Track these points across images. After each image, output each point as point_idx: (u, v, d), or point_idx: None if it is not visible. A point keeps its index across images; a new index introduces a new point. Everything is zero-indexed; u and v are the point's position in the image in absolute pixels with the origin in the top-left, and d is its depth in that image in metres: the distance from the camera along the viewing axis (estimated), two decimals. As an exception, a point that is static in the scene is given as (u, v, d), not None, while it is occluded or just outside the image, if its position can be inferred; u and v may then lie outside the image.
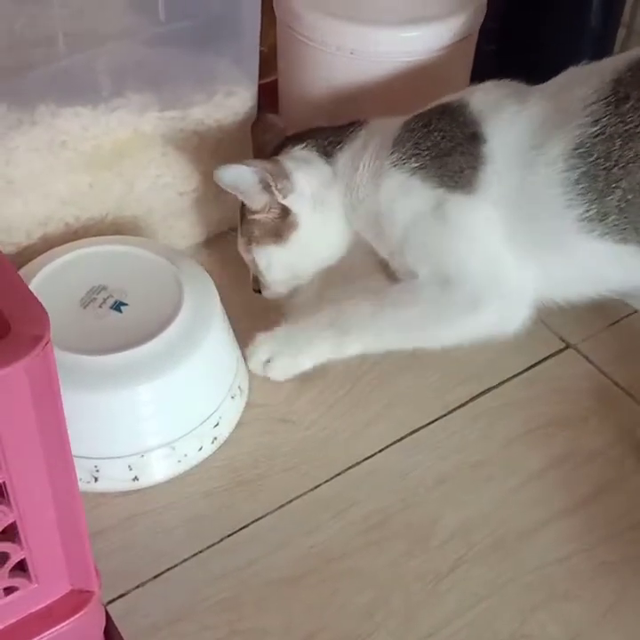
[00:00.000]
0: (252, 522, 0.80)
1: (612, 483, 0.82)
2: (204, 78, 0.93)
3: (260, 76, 0.99)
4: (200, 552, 0.78)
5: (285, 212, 0.88)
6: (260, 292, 0.94)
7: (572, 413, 0.88)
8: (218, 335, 0.85)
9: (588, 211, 0.76)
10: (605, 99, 0.76)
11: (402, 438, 0.87)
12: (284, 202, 0.87)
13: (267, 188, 0.86)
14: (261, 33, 0.94)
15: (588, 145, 0.76)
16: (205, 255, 1.01)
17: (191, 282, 0.85)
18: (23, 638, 0.63)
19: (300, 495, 0.82)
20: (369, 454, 0.85)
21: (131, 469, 0.81)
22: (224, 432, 0.86)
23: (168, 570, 0.77)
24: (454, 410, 0.89)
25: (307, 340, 0.86)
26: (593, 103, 0.77)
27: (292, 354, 0.86)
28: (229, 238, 1.02)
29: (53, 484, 0.58)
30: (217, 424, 0.84)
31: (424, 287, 0.82)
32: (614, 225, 0.76)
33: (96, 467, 0.80)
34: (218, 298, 0.87)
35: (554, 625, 0.74)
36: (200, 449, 0.84)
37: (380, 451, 0.86)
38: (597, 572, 0.77)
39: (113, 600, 0.75)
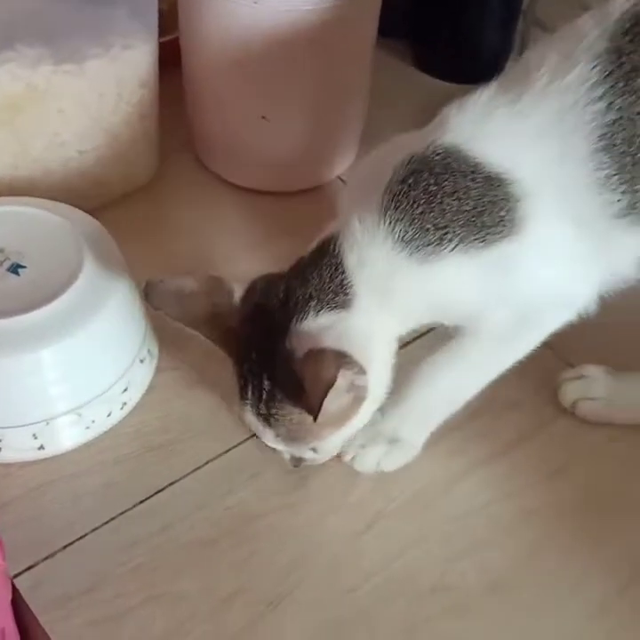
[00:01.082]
0: (166, 486, 0.78)
1: (531, 431, 0.82)
2: (99, 30, 0.89)
3: (162, 34, 0.96)
4: (112, 519, 0.75)
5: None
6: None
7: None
8: (122, 297, 0.81)
9: (620, 202, 0.67)
10: (610, 75, 0.65)
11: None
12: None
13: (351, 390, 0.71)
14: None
15: (608, 135, 0.66)
16: (109, 217, 0.97)
17: (93, 243, 0.82)
18: None
19: (214, 458, 0.80)
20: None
21: (36, 438, 0.77)
22: (134, 397, 0.83)
23: (79, 539, 0.74)
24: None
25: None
26: (597, 84, 0.66)
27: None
28: (134, 199, 0.99)
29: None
30: (126, 389, 0.81)
31: (498, 328, 0.73)
32: None
33: (-1, 436, 0.77)
34: (122, 259, 0.83)
35: (475, 574, 0.73)
36: (109, 415, 0.81)
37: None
38: (518, 520, 0.77)
39: (20, 573, 0.71)
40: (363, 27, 0.99)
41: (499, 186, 0.68)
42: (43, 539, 0.73)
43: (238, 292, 0.74)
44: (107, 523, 0.75)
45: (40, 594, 0.70)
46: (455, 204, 0.68)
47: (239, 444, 0.81)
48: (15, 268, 0.79)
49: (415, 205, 0.68)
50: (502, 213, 0.68)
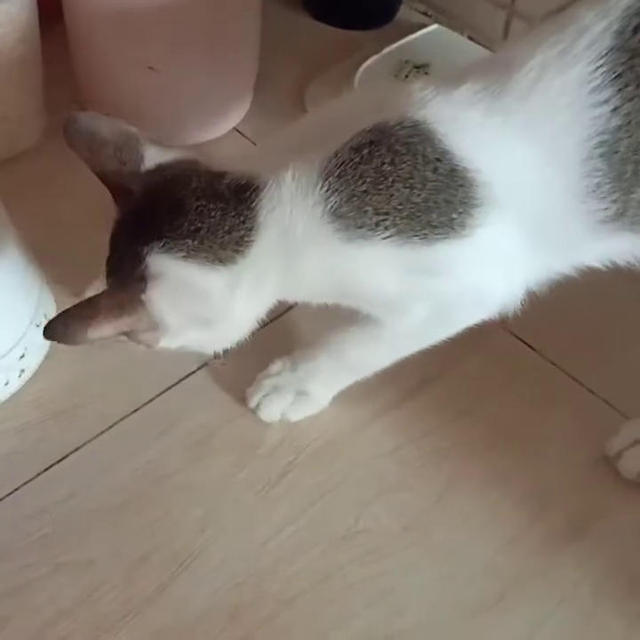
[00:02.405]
0: (71, 452, 0.76)
1: (436, 373, 0.83)
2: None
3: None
4: (15, 490, 0.74)
5: None
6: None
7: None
8: (11, 261, 0.78)
9: (607, 210, 0.62)
10: (618, 78, 0.58)
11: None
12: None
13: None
14: None
15: (610, 142, 0.60)
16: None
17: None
18: None
19: (120, 420, 0.78)
20: (186, 374, 0.82)
21: None
22: (32, 363, 0.80)
23: (-20, 513, 0.72)
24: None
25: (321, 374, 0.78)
26: (601, 87, 0.59)
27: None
28: (22, 158, 0.95)
29: None
30: (23, 355, 0.79)
31: (421, 315, 0.68)
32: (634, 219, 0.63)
33: None
34: (8, 220, 0.80)
35: (388, 517, 0.74)
36: (6, 383, 0.78)
37: (200, 368, 0.82)
38: (427, 461, 0.77)
39: None
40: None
41: (462, 185, 0.61)
42: (-58, 514, 0.71)
43: (149, 160, 0.67)
44: (10, 494, 0.73)
45: (-58, 570, 0.68)
46: (405, 192, 0.61)
47: (144, 405, 0.79)
48: None
49: (360, 181, 0.62)
50: (454, 216, 0.62)
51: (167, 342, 0.67)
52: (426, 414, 0.80)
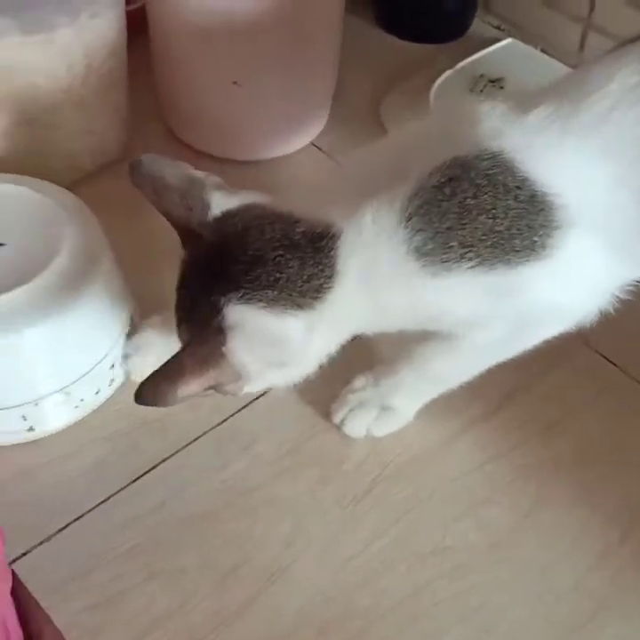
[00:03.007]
0: (159, 463, 0.77)
1: (521, 388, 0.82)
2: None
3: (129, 2, 0.93)
4: (106, 500, 0.74)
5: None
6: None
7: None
8: (106, 272, 0.80)
9: None
10: None
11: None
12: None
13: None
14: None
15: None
16: (84, 193, 0.95)
17: (73, 217, 0.79)
18: None
19: (207, 431, 0.79)
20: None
21: (25, 419, 0.76)
22: (122, 373, 0.81)
23: (74, 521, 0.73)
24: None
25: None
26: None
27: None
28: (106, 173, 0.97)
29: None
30: (113, 365, 0.80)
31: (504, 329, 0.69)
32: None
33: (-14, 420, 0.75)
34: (102, 233, 0.81)
35: (476, 533, 0.74)
36: (97, 392, 0.79)
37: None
38: (515, 477, 0.77)
39: (17, 558, 0.70)
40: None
41: (542, 210, 0.62)
42: (37, 523, 0.72)
43: (215, 206, 0.66)
44: (101, 503, 0.74)
45: (38, 579, 0.69)
46: (489, 222, 0.62)
47: (231, 415, 0.80)
48: None
49: (444, 219, 0.62)
50: (536, 239, 0.62)
51: (249, 388, 0.68)
52: (511, 429, 0.80)
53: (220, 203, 0.66)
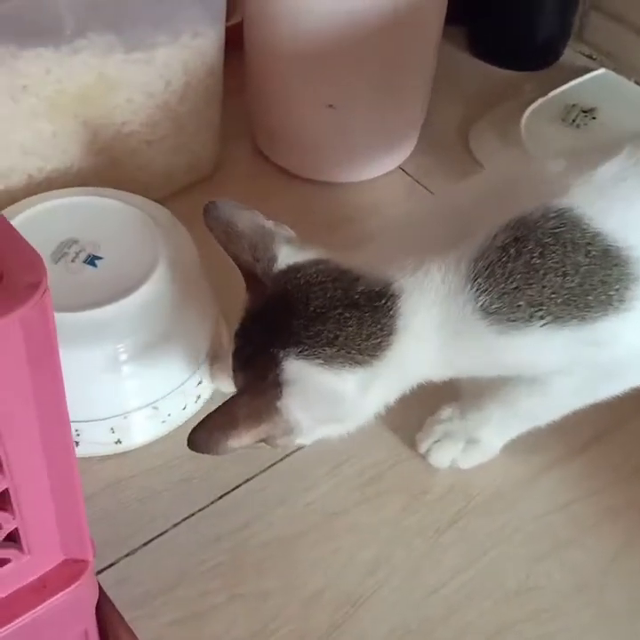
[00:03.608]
0: (244, 482, 0.77)
1: (611, 427, 0.81)
2: (167, 17, 0.87)
3: (225, 19, 0.94)
4: (191, 516, 0.75)
5: None
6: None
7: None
8: (197, 290, 0.80)
9: None
10: None
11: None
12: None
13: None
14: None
15: None
16: (174, 208, 0.96)
17: (167, 234, 0.80)
18: (17, 612, 0.59)
19: (292, 452, 0.79)
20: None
21: (113, 432, 0.77)
22: (208, 390, 0.82)
23: (159, 536, 0.74)
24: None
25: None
26: None
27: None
28: (197, 189, 0.98)
29: (48, 450, 0.53)
30: (200, 382, 0.81)
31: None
32: None
33: (77, 430, 0.76)
34: (195, 250, 0.82)
35: (560, 574, 0.72)
36: (184, 408, 0.80)
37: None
38: (601, 518, 0.76)
39: (103, 570, 0.71)
40: (431, 16, 0.97)
41: (616, 265, 0.60)
42: (123, 535, 0.73)
43: (282, 260, 0.66)
44: (186, 519, 0.75)
45: (123, 592, 0.70)
46: (558, 280, 0.60)
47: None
48: (91, 260, 0.77)
49: (510, 279, 0.61)
50: (612, 293, 0.61)
51: (302, 441, 0.68)
52: (599, 470, 0.79)
53: (288, 256, 0.66)
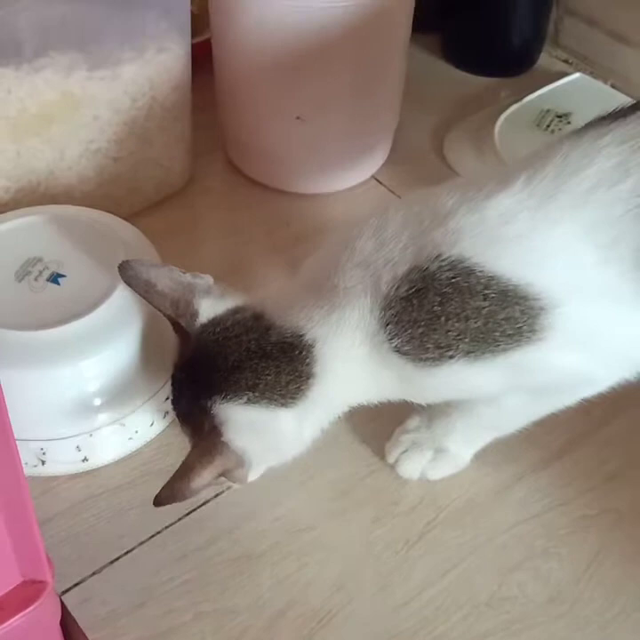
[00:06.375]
0: (213, 497, 0.76)
1: (583, 435, 0.80)
2: (132, 33, 0.87)
3: (192, 36, 0.94)
4: (158, 533, 0.74)
5: None
6: None
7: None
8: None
9: None
10: None
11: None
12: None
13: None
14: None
15: None
16: (143, 223, 0.96)
17: (132, 250, 0.79)
18: (-28, 636, 0.58)
19: (261, 468, 0.78)
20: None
21: (79, 450, 0.76)
22: (176, 406, 0.81)
23: (125, 554, 0.73)
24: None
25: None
26: None
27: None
28: (168, 204, 0.98)
29: (-5, 471, 0.53)
30: (168, 397, 0.79)
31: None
32: None
33: (42, 449, 0.75)
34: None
35: (534, 584, 0.71)
36: (152, 424, 0.79)
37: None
38: (575, 527, 0.74)
39: (68, 590, 0.70)
40: (398, 22, 0.96)
41: (516, 303, 0.61)
42: (89, 554, 0.72)
43: (203, 313, 0.69)
44: (153, 536, 0.74)
45: (88, 611, 0.69)
46: (461, 325, 0.62)
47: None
48: (55, 278, 0.77)
49: (416, 326, 0.63)
50: (520, 326, 0.62)
51: (253, 475, 0.70)
52: (572, 478, 0.77)
53: (207, 309, 0.69)
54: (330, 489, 0.77)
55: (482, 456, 0.77)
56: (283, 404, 0.66)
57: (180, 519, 0.75)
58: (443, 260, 0.62)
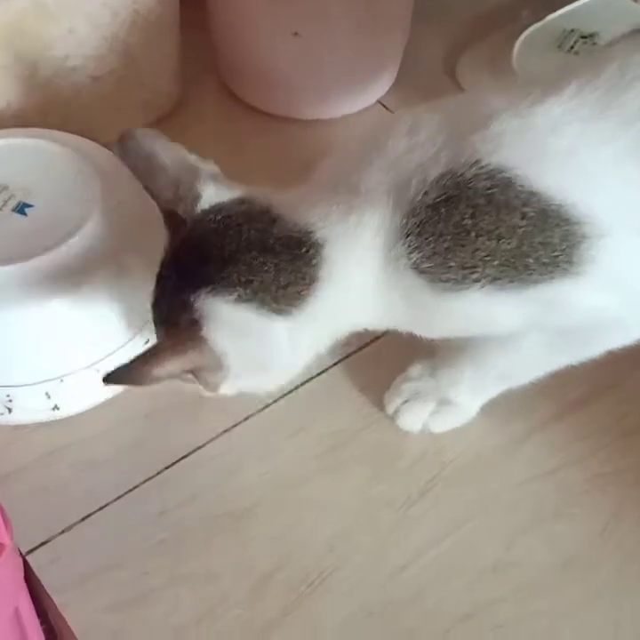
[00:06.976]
0: (193, 450, 0.71)
1: (601, 388, 0.74)
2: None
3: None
4: (134, 488, 0.70)
5: None
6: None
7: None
8: (143, 238, 0.73)
9: None
10: None
11: (361, 348, 0.77)
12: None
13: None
14: None
15: None
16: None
17: (108, 178, 0.74)
18: None
19: (249, 417, 0.73)
20: (325, 368, 0.75)
21: (49, 397, 0.71)
22: (158, 349, 0.75)
23: (98, 510, 0.68)
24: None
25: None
26: None
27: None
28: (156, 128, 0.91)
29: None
30: (148, 340, 0.74)
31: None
32: None
33: (8, 396, 0.71)
34: (144, 195, 0.74)
35: (544, 548, 0.67)
36: (131, 369, 0.73)
37: (335, 364, 0.76)
38: (590, 486, 0.70)
39: (33, 549, 0.66)
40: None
41: (556, 225, 0.56)
42: (58, 510, 0.68)
43: (206, 199, 0.62)
44: (129, 491, 0.69)
45: (55, 572, 0.65)
46: (492, 244, 0.56)
47: (274, 402, 0.73)
48: (21, 208, 0.72)
49: (441, 240, 0.57)
50: (556, 253, 0.56)
51: (227, 387, 0.63)
52: (588, 433, 0.72)
53: (211, 195, 0.62)
54: (322, 442, 0.72)
55: (490, 409, 0.71)
56: (277, 310, 0.59)
57: (158, 473, 0.70)
58: (481, 168, 0.56)
